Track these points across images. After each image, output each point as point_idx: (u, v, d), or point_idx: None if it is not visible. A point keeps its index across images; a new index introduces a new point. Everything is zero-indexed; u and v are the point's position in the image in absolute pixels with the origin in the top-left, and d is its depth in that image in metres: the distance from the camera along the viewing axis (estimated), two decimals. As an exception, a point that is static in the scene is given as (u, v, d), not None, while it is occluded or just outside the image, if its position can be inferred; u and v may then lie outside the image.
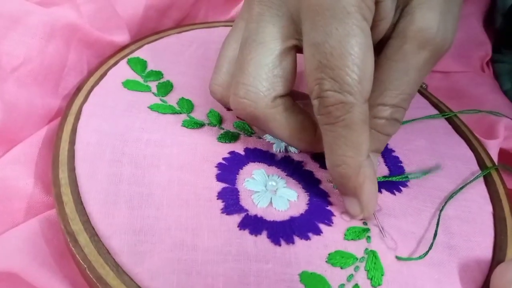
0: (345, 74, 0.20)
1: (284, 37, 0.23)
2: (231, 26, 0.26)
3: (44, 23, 0.28)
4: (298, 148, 0.27)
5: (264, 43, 0.23)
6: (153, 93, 0.29)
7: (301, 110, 0.25)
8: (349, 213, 0.24)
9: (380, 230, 0.24)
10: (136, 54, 0.32)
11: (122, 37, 0.32)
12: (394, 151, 0.29)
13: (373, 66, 0.21)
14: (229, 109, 0.29)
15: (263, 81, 0.23)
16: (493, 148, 0.32)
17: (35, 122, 0.28)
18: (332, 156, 0.22)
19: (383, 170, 0.28)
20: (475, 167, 0.29)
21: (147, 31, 0.35)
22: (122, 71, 0.30)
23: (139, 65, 0.31)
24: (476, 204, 0.27)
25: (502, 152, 0.33)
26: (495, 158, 0.31)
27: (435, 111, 0.34)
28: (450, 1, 0.23)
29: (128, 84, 0.29)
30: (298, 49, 0.23)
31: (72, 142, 0.25)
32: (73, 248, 0.21)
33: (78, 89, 0.29)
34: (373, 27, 0.22)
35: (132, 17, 0.33)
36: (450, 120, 0.33)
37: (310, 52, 0.21)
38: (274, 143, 0.28)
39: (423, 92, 0.36)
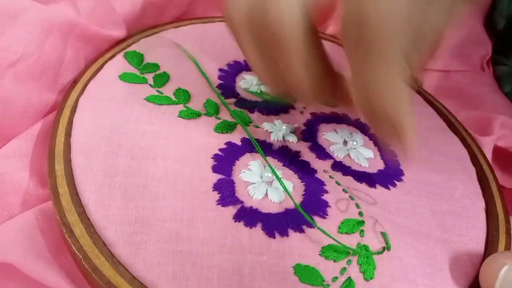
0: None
1: None
2: None
3: (42, 19, 0.28)
4: (303, 95, 0.23)
5: None
6: (149, 84, 0.30)
7: (327, 55, 0.22)
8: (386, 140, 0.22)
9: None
10: (132, 48, 0.32)
11: (119, 33, 0.32)
12: (389, 145, 0.29)
13: None
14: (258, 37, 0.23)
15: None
16: (487, 145, 0.32)
17: (32, 117, 0.28)
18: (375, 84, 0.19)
19: (379, 164, 0.28)
20: (468, 163, 0.30)
21: (144, 28, 0.35)
22: (118, 64, 0.30)
23: (136, 58, 0.31)
24: (469, 200, 0.27)
25: (498, 150, 0.34)
26: (489, 154, 0.32)
27: (429, 108, 0.34)
28: None
29: (125, 77, 0.29)
30: None
31: (68, 134, 0.26)
32: (68, 239, 0.21)
33: (74, 82, 0.29)
34: None
35: (129, 13, 0.33)
36: (444, 117, 0.33)
37: None
38: (272, 132, 0.28)
39: (418, 89, 0.36)
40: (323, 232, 0.23)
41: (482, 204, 0.27)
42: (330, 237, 0.23)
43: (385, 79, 0.19)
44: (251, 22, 0.22)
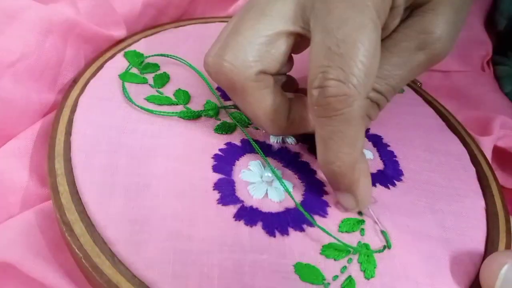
0: (354, 65, 0.19)
1: (290, 20, 0.22)
2: (228, 21, 0.27)
3: (42, 18, 0.28)
4: (266, 129, 0.25)
5: (270, 16, 0.22)
6: (149, 84, 0.30)
7: (281, 92, 0.24)
8: (344, 206, 0.24)
9: (376, 222, 0.24)
10: (133, 48, 0.32)
11: (119, 33, 0.32)
12: (389, 145, 0.29)
13: (378, 64, 0.21)
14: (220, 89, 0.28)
15: (254, 51, 0.22)
16: (486, 144, 0.32)
17: (32, 117, 0.28)
18: (326, 152, 0.22)
19: (378, 164, 0.28)
20: (468, 163, 0.30)
21: (144, 28, 0.35)
22: (118, 63, 0.30)
23: (136, 57, 0.31)
24: (469, 199, 0.27)
25: (498, 150, 0.34)
26: (488, 154, 0.32)
27: (429, 108, 0.34)
28: (460, 12, 0.23)
29: (125, 76, 0.29)
30: (297, 39, 0.23)
31: (68, 133, 0.25)
32: (69, 238, 0.21)
33: (74, 81, 0.29)
34: (383, 28, 0.22)
35: (129, 13, 0.34)
36: (444, 117, 0.33)
37: (320, 37, 0.20)
38: None
39: (417, 89, 0.36)
40: (323, 230, 0.23)
41: (482, 203, 0.27)
42: (330, 235, 0.23)
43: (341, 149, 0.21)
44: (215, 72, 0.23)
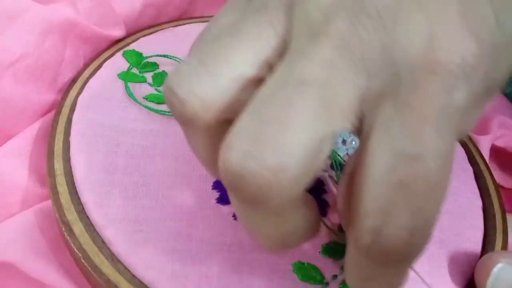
0: (433, 216, 0.14)
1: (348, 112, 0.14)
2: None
3: (41, 19, 0.28)
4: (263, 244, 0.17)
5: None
6: (148, 83, 0.30)
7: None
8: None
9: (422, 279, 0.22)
10: (131, 47, 0.32)
11: (119, 33, 0.32)
12: None
13: None
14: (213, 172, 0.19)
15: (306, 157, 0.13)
16: (484, 144, 0.32)
17: (31, 117, 0.28)
18: None
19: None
20: (465, 163, 0.30)
21: (143, 28, 0.35)
22: (117, 63, 0.30)
23: (135, 57, 0.31)
24: (467, 199, 0.27)
25: (496, 150, 0.34)
26: (486, 154, 0.32)
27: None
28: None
29: (124, 76, 0.29)
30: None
31: (67, 133, 0.25)
32: (68, 238, 0.21)
33: (73, 81, 0.29)
34: None
35: (129, 13, 0.33)
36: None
37: (387, 156, 0.14)
38: None
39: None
40: (326, 225, 0.23)
41: (479, 203, 0.27)
42: (333, 231, 0.23)
43: None
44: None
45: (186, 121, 0.15)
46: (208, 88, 0.15)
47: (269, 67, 0.15)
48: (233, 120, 0.14)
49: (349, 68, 0.14)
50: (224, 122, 0.15)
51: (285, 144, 0.13)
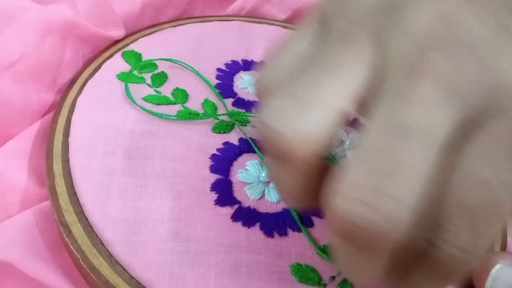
0: (488, 240, 0.14)
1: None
2: (226, 20, 0.26)
3: (41, 19, 0.28)
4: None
5: None
6: (147, 84, 0.30)
7: None
8: None
9: None
10: (131, 47, 0.32)
11: (118, 33, 0.32)
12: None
13: None
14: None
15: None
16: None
17: (30, 118, 0.28)
18: None
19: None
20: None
21: (143, 28, 0.35)
22: (116, 63, 0.30)
23: (134, 57, 0.31)
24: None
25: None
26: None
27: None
28: None
29: (123, 76, 0.29)
30: None
31: (66, 134, 0.26)
32: (66, 239, 0.21)
33: (72, 81, 0.29)
34: None
35: (128, 14, 0.34)
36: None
37: (461, 178, 0.14)
38: None
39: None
40: (309, 238, 0.23)
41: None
42: (313, 244, 0.23)
43: None
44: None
45: (280, 156, 0.16)
46: (306, 122, 0.15)
47: (361, 100, 0.15)
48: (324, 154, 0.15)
49: (451, 107, 0.14)
50: (318, 157, 0.15)
51: (397, 195, 0.13)
